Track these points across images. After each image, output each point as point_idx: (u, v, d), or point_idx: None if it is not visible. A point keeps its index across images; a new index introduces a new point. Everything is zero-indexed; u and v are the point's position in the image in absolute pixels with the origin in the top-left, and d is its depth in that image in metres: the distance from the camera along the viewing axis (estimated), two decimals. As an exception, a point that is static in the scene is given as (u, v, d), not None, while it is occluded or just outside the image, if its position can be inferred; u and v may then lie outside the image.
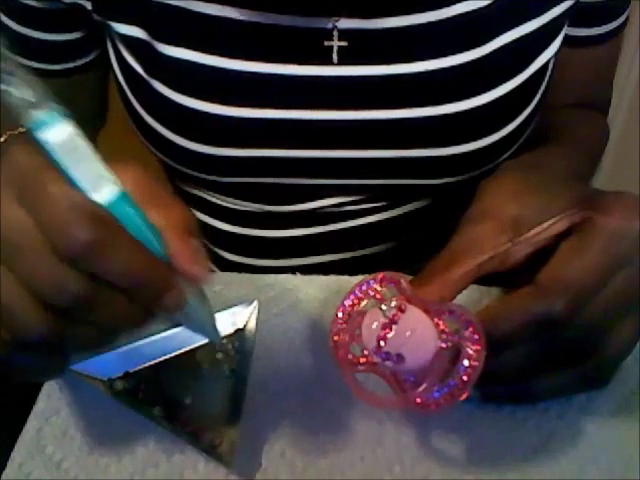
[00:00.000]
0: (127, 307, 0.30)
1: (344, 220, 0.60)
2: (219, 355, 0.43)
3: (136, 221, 0.29)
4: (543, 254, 0.36)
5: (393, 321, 0.34)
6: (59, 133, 0.28)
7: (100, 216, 0.28)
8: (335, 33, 0.49)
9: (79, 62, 0.58)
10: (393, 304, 0.34)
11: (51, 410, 0.41)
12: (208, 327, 0.35)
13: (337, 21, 0.49)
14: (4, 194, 0.28)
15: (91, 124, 0.64)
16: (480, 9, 0.49)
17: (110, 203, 0.29)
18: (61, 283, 0.28)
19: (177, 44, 0.50)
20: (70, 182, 0.28)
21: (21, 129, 0.47)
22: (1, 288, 0.29)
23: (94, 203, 0.28)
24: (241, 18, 0.49)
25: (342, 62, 0.50)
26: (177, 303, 0.31)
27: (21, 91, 0.27)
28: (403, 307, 0.34)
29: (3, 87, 0.27)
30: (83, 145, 0.28)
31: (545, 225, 0.36)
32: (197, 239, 0.32)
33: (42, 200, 0.28)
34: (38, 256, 0.28)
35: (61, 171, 0.28)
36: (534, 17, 0.51)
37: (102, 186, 0.29)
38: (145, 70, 0.52)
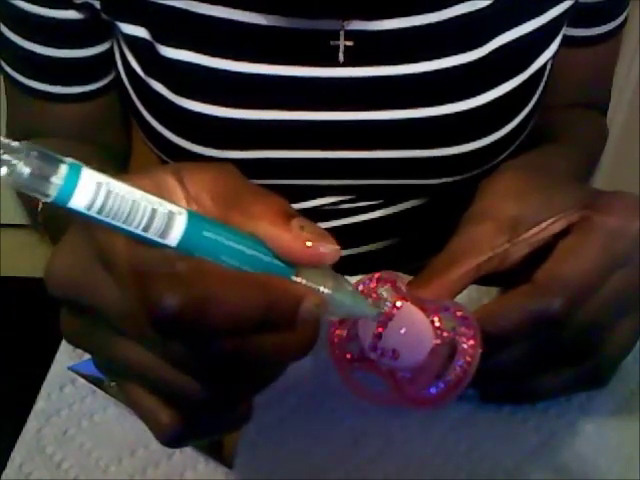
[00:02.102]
0: (275, 341, 0.25)
1: (342, 218, 0.60)
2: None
3: (224, 242, 0.24)
4: (542, 254, 0.36)
5: (388, 318, 0.34)
6: (86, 191, 0.22)
7: (178, 267, 0.23)
8: (341, 33, 0.49)
9: (100, 84, 0.56)
10: (388, 302, 0.35)
11: (51, 410, 0.41)
12: (360, 307, 0.29)
13: (342, 22, 0.49)
14: (94, 269, 0.25)
15: (122, 146, 0.63)
16: (480, 10, 0.49)
17: (183, 239, 0.24)
18: (179, 359, 0.24)
19: (178, 46, 0.50)
20: (131, 236, 0.24)
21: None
22: (140, 365, 0.25)
23: (166, 252, 0.24)
24: (245, 20, 0.49)
25: (348, 62, 0.50)
26: (317, 307, 0.26)
27: (22, 164, 0.21)
28: (398, 304, 0.34)
29: (4, 171, 0.21)
30: (120, 190, 0.23)
31: (544, 225, 0.36)
32: (300, 217, 0.26)
33: (115, 269, 0.24)
34: (143, 332, 0.24)
35: (114, 229, 0.23)
36: (533, 17, 0.51)
37: (165, 224, 0.23)
38: (145, 71, 0.52)
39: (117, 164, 0.60)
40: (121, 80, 0.55)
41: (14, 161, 0.21)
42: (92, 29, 0.53)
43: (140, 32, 0.51)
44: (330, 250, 0.26)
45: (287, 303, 0.25)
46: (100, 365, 0.28)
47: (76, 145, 0.55)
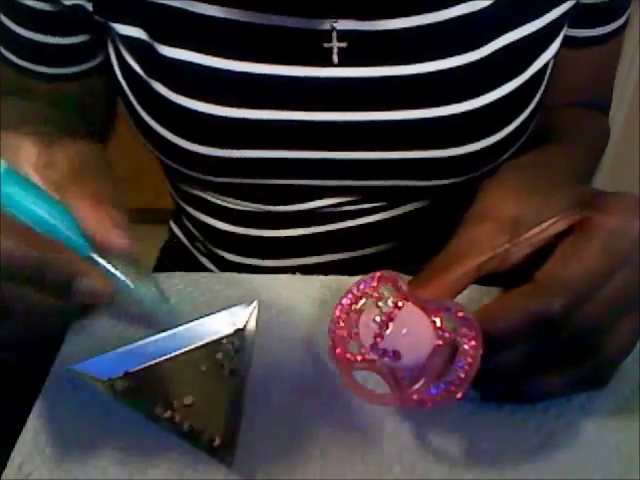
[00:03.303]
0: (47, 301, 0.29)
1: (343, 220, 0.60)
2: (219, 355, 0.43)
3: (27, 202, 0.27)
4: (543, 254, 0.36)
5: (390, 318, 0.34)
6: None
7: None
8: (334, 34, 0.49)
9: (85, 66, 0.58)
10: (390, 302, 0.35)
11: (51, 410, 0.41)
12: (158, 305, 0.34)
13: (335, 22, 0.49)
14: None
15: (101, 128, 0.64)
16: (479, 11, 0.49)
17: None
18: None
19: (177, 45, 0.50)
20: None
21: None
22: None
23: None
24: (241, 19, 0.49)
25: (342, 63, 0.50)
26: (96, 290, 0.29)
27: None
28: (400, 304, 0.34)
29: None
30: None
31: (544, 225, 0.36)
32: (119, 210, 0.30)
33: None
34: None
35: None
36: (534, 19, 0.51)
37: None
38: (145, 71, 0.52)
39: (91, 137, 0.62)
40: (117, 80, 0.55)
41: None
42: (75, 22, 0.54)
43: (136, 32, 0.51)
44: (118, 244, 0.30)
45: (62, 272, 0.28)
46: None
47: (39, 106, 0.57)
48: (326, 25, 0.49)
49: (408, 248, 0.63)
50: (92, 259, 0.30)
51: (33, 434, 0.40)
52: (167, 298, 0.35)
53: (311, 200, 0.58)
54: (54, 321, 0.42)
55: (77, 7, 0.51)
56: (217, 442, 0.39)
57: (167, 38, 0.50)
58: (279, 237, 0.61)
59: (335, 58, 0.50)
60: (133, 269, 0.32)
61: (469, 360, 0.34)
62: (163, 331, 0.43)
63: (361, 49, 0.50)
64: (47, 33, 0.54)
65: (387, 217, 0.60)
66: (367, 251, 0.62)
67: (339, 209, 0.59)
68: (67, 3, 0.51)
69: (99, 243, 0.30)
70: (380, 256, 0.62)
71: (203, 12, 0.49)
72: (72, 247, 0.29)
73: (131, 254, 0.31)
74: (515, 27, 0.51)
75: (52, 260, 0.28)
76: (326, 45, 0.50)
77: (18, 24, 0.54)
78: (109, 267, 0.31)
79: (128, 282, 0.31)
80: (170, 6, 0.49)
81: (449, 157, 0.53)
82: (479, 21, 0.50)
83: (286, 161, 0.53)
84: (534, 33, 0.51)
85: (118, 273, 0.31)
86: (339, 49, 0.50)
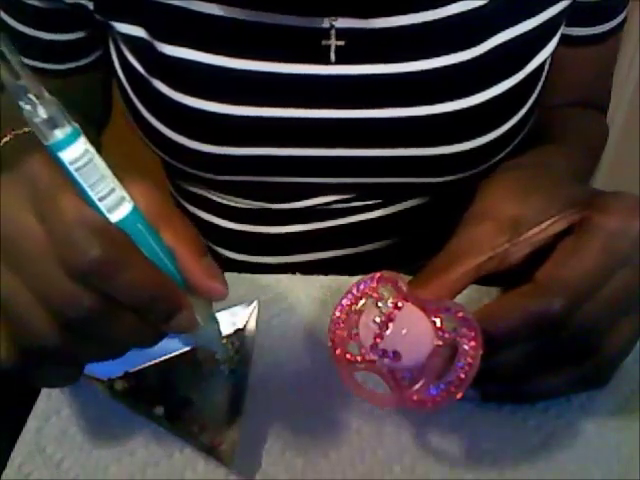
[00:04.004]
0: (137, 325, 0.30)
1: (342, 217, 0.60)
2: (219, 355, 0.43)
3: (148, 239, 0.30)
4: (543, 254, 0.36)
5: (389, 319, 0.34)
6: (76, 151, 0.28)
7: (112, 234, 0.28)
8: (332, 32, 0.49)
9: (81, 62, 0.58)
10: (389, 302, 0.35)
11: (51, 410, 0.41)
12: (216, 344, 0.37)
13: (334, 20, 0.49)
14: (17, 201, 0.28)
15: (94, 124, 0.65)
16: (475, 9, 0.49)
17: (122, 220, 0.29)
18: (69, 297, 0.28)
19: (177, 43, 0.50)
20: (85, 198, 0.28)
21: (25, 129, 0.48)
22: (10, 294, 0.28)
23: (106, 220, 0.29)
24: (239, 17, 0.49)
25: (340, 61, 0.50)
26: (189, 324, 0.31)
27: (44, 110, 0.27)
28: (399, 305, 0.34)
29: (27, 107, 0.27)
30: (98, 162, 0.29)
31: (544, 225, 0.36)
32: (209, 258, 0.32)
33: (55, 212, 0.28)
34: (46, 268, 0.28)
35: (76, 187, 0.28)
36: (530, 17, 0.51)
37: (115, 203, 0.29)
38: (145, 69, 0.52)
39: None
40: (118, 78, 0.56)
41: (37, 102, 0.27)
42: (74, 19, 0.54)
43: (137, 31, 0.51)
44: (221, 289, 0.31)
45: (174, 303, 0.30)
46: None
47: None
48: (325, 23, 0.49)
49: (407, 245, 0.63)
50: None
51: (33, 434, 0.40)
52: (223, 337, 0.38)
53: (310, 197, 0.58)
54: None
55: (78, 6, 0.51)
56: (217, 442, 0.39)
57: (167, 36, 0.50)
58: (278, 234, 0.61)
59: (332, 56, 0.50)
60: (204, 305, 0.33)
61: (469, 360, 0.34)
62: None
63: (358, 47, 0.50)
64: (44, 29, 0.54)
65: (386, 214, 0.60)
66: (366, 248, 0.62)
67: (338, 206, 0.59)
68: (68, 1, 0.51)
69: (198, 288, 0.31)
70: (379, 253, 0.63)
71: (202, 10, 0.49)
72: (176, 282, 0.31)
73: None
74: (511, 25, 0.51)
75: (170, 291, 0.30)
76: (324, 42, 0.50)
77: (17, 20, 0.54)
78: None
79: (199, 320, 0.32)
80: (170, 4, 0.49)
81: (446, 154, 0.53)
82: (475, 19, 0.50)
83: (284, 158, 0.53)
84: (530, 32, 0.51)
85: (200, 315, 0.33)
86: (337, 47, 0.50)
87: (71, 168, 0.28)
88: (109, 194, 0.29)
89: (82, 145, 0.28)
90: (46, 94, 0.28)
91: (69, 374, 0.32)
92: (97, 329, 0.29)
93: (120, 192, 0.29)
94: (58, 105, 0.28)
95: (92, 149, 0.29)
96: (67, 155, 0.28)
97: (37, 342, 0.29)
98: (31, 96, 0.27)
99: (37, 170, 0.29)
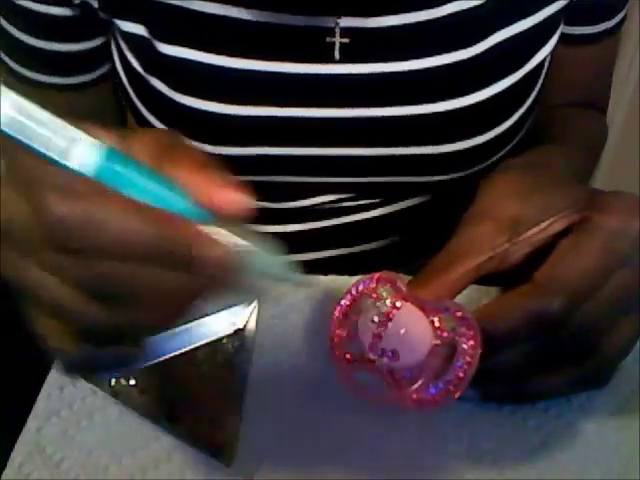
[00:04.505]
0: (167, 279, 0.26)
1: (341, 216, 0.60)
2: (219, 355, 0.43)
3: (134, 180, 0.26)
4: (542, 254, 0.36)
5: (388, 318, 0.34)
6: (5, 111, 0.25)
7: (70, 184, 0.25)
8: (337, 30, 0.49)
9: (93, 75, 0.57)
10: (388, 302, 0.35)
11: (51, 410, 0.41)
12: (278, 268, 0.30)
13: (339, 19, 0.49)
14: (7, 190, 0.26)
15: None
16: (475, 7, 0.50)
17: (88, 166, 0.25)
18: (70, 268, 0.26)
19: (177, 43, 0.50)
20: (38, 155, 0.25)
21: None
22: (33, 282, 0.27)
23: (63, 172, 0.25)
24: (241, 17, 0.49)
25: (344, 59, 0.50)
26: (219, 257, 0.27)
27: None
28: (398, 304, 0.34)
29: None
30: (32, 111, 0.25)
31: (544, 225, 0.36)
32: (222, 174, 0.28)
33: (20, 184, 0.26)
34: (39, 247, 0.26)
35: (29, 149, 0.25)
36: (528, 15, 0.51)
37: (67, 148, 0.25)
38: (144, 68, 0.52)
39: None
40: (119, 77, 0.55)
41: None
42: (85, 25, 0.53)
43: (138, 30, 0.51)
44: (240, 198, 0.27)
45: (181, 242, 0.26)
46: (16, 290, 0.29)
47: None
48: (329, 22, 0.49)
49: (405, 245, 0.63)
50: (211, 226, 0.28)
51: (33, 434, 0.40)
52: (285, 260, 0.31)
53: (309, 197, 0.58)
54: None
55: (84, 4, 0.51)
56: (217, 442, 0.39)
57: (167, 36, 0.50)
58: (278, 233, 0.61)
59: (337, 54, 0.50)
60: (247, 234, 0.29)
61: (468, 359, 0.34)
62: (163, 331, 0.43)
63: (363, 45, 0.50)
64: (57, 40, 0.53)
65: (385, 213, 0.60)
66: (365, 247, 0.62)
67: (337, 205, 0.59)
68: (75, 1, 0.51)
69: (217, 206, 0.27)
70: (379, 252, 0.63)
71: (204, 10, 0.49)
72: (189, 217, 0.27)
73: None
74: (510, 24, 0.51)
75: (176, 233, 0.26)
76: (328, 40, 0.50)
77: (29, 34, 0.53)
78: (223, 236, 0.28)
79: (250, 246, 0.28)
80: (171, 4, 0.49)
81: (445, 153, 0.53)
82: (473, 18, 0.50)
83: (285, 158, 0.53)
84: (527, 31, 0.51)
85: (239, 239, 0.28)
86: (341, 44, 0.50)
87: (12, 132, 0.25)
88: (55, 140, 0.25)
89: (11, 101, 0.25)
90: None
91: (132, 349, 0.30)
92: (121, 292, 0.26)
93: (74, 134, 0.26)
94: None
95: (29, 104, 0.25)
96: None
97: (83, 322, 0.27)
98: None
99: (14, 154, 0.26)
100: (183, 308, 0.28)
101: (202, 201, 0.27)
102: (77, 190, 0.25)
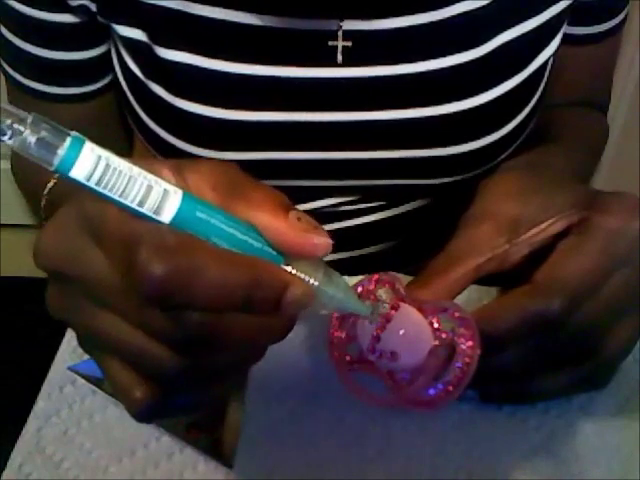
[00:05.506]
0: (255, 323, 0.26)
1: (343, 220, 0.60)
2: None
3: (215, 225, 0.25)
4: (542, 255, 0.36)
5: (387, 319, 0.34)
6: (86, 162, 0.24)
7: (167, 240, 0.24)
8: (340, 33, 0.49)
9: (97, 85, 0.56)
10: (387, 303, 0.35)
11: (51, 410, 0.41)
12: (351, 303, 0.30)
13: (341, 22, 0.49)
14: (83, 242, 0.26)
15: (120, 146, 0.62)
16: (479, 9, 0.49)
17: (176, 217, 0.25)
18: (161, 325, 0.25)
19: (176, 47, 0.50)
20: (127, 210, 0.25)
21: None
22: (112, 331, 0.26)
23: (156, 226, 0.25)
24: (242, 20, 0.49)
25: (346, 63, 0.50)
26: (304, 296, 0.26)
27: (29, 132, 0.23)
28: (396, 306, 0.34)
29: (10, 142, 0.23)
30: (118, 164, 0.24)
31: (544, 226, 0.36)
32: (297, 210, 0.27)
33: (106, 240, 0.25)
34: (126, 301, 0.25)
35: (110, 201, 0.24)
36: (533, 16, 0.51)
37: (159, 201, 0.25)
38: (143, 73, 0.52)
39: None
40: (118, 83, 0.55)
41: (22, 129, 0.23)
42: (88, 32, 0.53)
43: (137, 34, 0.51)
44: (322, 242, 0.26)
45: (272, 286, 0.25)
46: (81, 339, 0.29)
47: None
48: (332, 25, 0.49)
49: (408, 248, 0.63)
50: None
51: (33, 434, 0.40)
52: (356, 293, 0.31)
53: (313, 200, 0.58)
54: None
55: (83, 8, 0.51)
56: (217, 442, 0.39)
57: (166, 40, 0.50)
58: None
59: (339, 57, 0.50)
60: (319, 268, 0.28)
61: (467, 360, 0.34)
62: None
63: (365, 48, 0.50)
64: (61, 49, 0.53)
65: (387, 216, 0.60)
66: (367, 250, 0.62)
67: (341, 208, 0.59)
68: (73, 4, 0.50)
69: (299, 248, 0.26)
70: (380, 256, 0.62)
71: (204, 14, 0.49)
72: (268, 259, 0.26)
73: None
74: (514, 25, 0.51)
75: (269, 279, 0.25)
76: (331, 43, 0.49)
77: (32, 43, 0.52)
78: (302, 274, 0.27)
79: (323, 286, 0.27)
80: (168, 8, 0.49)
81: (449, 155, 0.53)
82: (478, 19, 0.50)
83: (287, 162, 0.53)
84: (533, 31, 0.51)
85: (315, 281, 0.27)
86: (344, 48, 0.49)
87: (91, 184, 0.24)
88: (147, 194, 0.24)
89: (90, 153, 0.24)
90: (29, 115, 0.23)
91: (213, 396, 0.29)
92: (212, 342, 0.26)
93: (159, 186, 0.25)
94: (46, 121, 0.24)
95: (105, 152, 0.24)
96: (78, 172, 0.24)
97: (163, 371, 0.26)
98: (12, 125, 0.23)
99: (84, 203, 0.26)
100: (266, 348, 0.28)
101: (284, 246, 0.26)
102: (169, 244, 0.24)
